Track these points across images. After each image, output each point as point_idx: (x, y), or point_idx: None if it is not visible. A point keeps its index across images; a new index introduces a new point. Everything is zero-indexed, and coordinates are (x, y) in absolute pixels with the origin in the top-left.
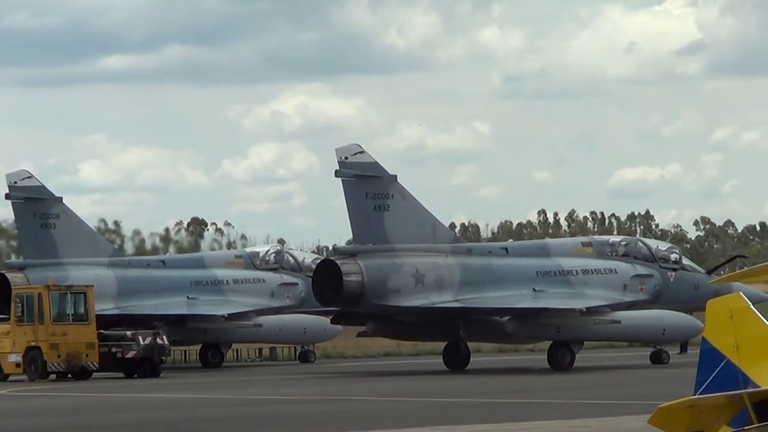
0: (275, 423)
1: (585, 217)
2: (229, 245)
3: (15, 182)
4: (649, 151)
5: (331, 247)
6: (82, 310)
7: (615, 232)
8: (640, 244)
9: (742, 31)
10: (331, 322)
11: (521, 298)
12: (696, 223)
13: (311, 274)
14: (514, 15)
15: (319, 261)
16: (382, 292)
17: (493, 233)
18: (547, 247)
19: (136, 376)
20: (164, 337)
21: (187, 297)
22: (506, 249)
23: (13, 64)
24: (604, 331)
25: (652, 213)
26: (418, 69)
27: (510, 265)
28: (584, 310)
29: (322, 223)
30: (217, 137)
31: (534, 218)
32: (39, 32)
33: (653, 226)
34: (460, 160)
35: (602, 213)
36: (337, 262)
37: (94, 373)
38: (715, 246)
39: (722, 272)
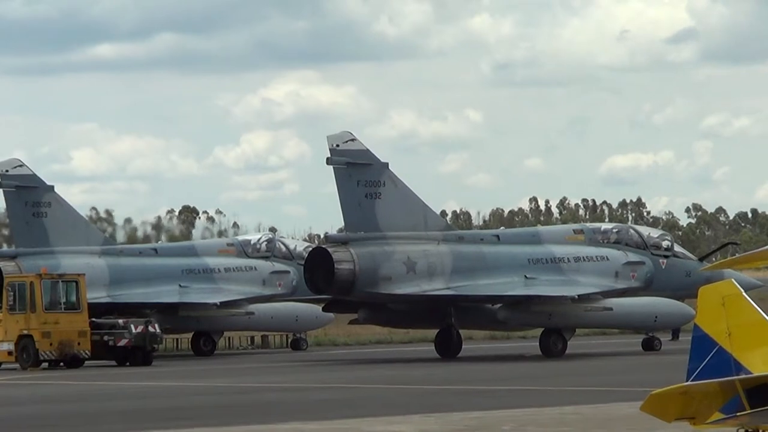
0: (267, 411)
1: (576, 205)
2: (221, 233)
3: (6, 171)
4: (641, 139)
5: (322, 235)
6: (74, 298)
7: (606, 220)
8: (632, 231)
9: (734, 19)
10: (323, 309)
11: (513, 286)
12: (687, 210)
13: (303, 262)
14: (504, 2)
15: (310, 249)
16: (374, 280)
17: (484, 221)
18: (539, 234)
19: (128, 364)
20: (156, 325)
21: (179, 285)
22: (498, 236)
23: (4, 53)
24: (596, 319)
25: (643, 200)
26: (409, 57)
27: (501, 252)
28: (576, 297)
29: (314, 211)
30: (208, 125)
31: (525, 206)
32: (30, 21)
33: (645, 214)
34: (451, 147)
35: (594, 200)
36: (329, 250)
37: (86, 361)
38: (706, 233)
39: (714, 259)
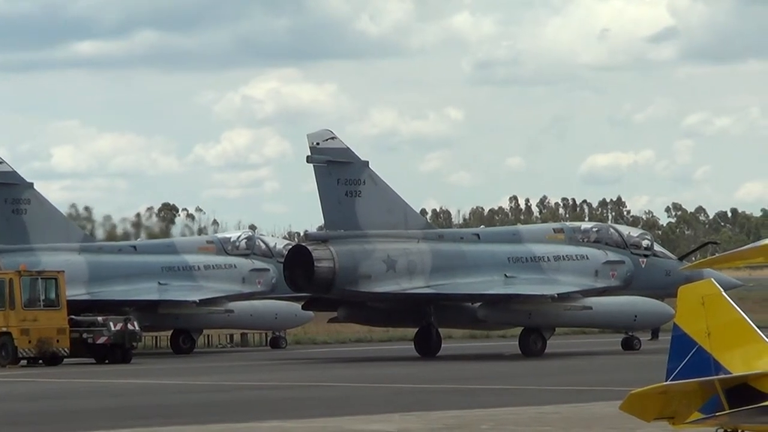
0: (247, 409)
1: (556, 204)
2: (201, 231)
3: None
4: (622, 138)
5: (302, 233)
6: (53, 295)
7: (587, 219)
8: (612, 230)
9: (715, 18)
10: (303, 308)
11: (493, 285)
12: (667, 210)
13: (282, 259)
14: (486, 1)
15: (290, 247)
16: (354, 278)
17: (464, 219)
18: (519, 233)
19: (107, 361)
20: (135, 323)
21: (159, 283)
22: (478, 235)
23: None
24: (576, 318)
25: (623, 199)
26: (390, 55)
27: (482, 251)
28: (556, 296)
29: (294, 209)
30: (189, 123)
31: (506, 204)
32: (12, 17)
33: (625, 213)
34: (431, 146)
35: (574, 199)
36: (309, 247)
37: (64, 359)
38: (686, 232)
39: (693, 258)
